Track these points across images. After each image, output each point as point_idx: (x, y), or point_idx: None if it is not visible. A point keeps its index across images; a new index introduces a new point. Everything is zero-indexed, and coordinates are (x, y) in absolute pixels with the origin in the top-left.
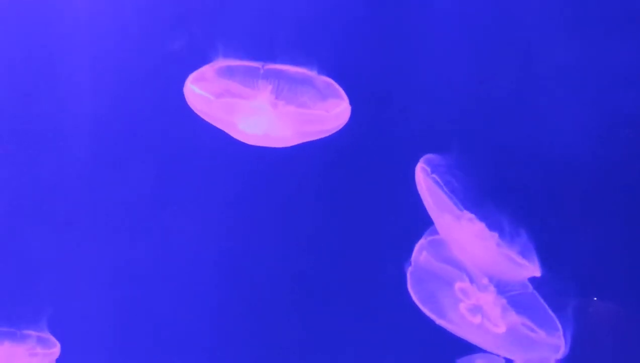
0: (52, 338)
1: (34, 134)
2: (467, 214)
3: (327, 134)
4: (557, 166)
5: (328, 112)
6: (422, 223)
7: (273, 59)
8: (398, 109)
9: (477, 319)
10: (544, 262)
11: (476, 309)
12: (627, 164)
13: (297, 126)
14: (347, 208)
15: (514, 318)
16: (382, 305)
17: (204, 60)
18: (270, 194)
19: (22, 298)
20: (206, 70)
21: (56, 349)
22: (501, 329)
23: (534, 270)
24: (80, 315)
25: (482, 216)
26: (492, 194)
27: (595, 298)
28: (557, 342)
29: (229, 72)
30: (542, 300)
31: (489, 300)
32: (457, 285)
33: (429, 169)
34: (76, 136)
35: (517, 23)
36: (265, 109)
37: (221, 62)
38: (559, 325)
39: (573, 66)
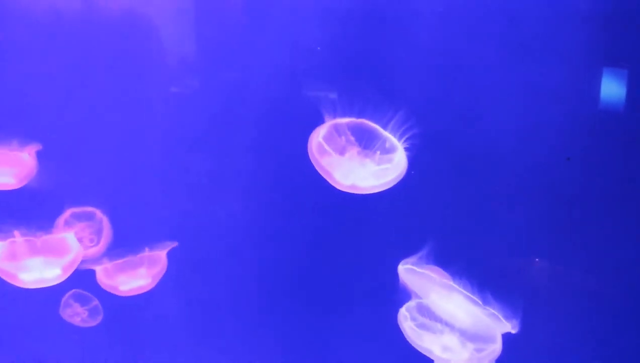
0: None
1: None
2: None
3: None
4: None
5: (393, 164)
6: None
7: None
8: None
9: (447, 355)
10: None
11: (445, 348)
12: (550, 159)
13: (374, 178)
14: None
15: (470, 345)
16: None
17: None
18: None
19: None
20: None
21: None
22: (465, 355)
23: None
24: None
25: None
26: None
27: (537, 259)
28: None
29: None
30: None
31: (448, 339)
32: (425, 337)
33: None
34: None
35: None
36: (352, 164)
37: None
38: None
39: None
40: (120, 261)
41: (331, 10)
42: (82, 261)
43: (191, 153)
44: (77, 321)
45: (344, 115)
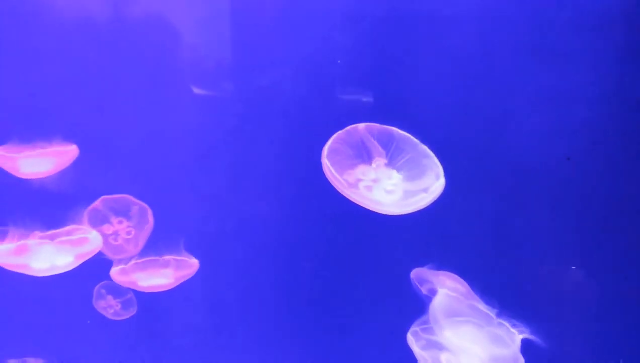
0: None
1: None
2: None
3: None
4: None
5: (427, 191)
6: None
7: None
8: None
9: None
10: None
11: None
12: (579, 166)
13: (402, 199)
14: None
15: None
16: None
17: None
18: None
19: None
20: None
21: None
22: None
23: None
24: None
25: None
26: None
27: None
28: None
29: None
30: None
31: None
32: (443, 357)
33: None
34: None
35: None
36: (378, 175)
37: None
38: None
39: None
40: (141, 260)
41: (364, 15)
42: (115, 255)
43: (225, 155)
44: (109, 313)
45: (374, 120)
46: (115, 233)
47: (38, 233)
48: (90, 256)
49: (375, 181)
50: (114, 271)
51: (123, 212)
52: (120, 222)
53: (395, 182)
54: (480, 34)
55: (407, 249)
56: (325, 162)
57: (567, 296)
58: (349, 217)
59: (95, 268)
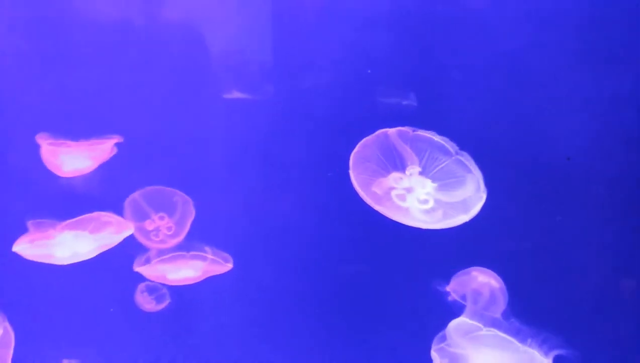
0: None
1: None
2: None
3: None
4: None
5: (467, 213)
6: None
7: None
8: None
9: None
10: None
11: None
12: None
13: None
14: None
15: None
16: None
17: None
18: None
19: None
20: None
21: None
22: None
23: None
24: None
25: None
26: None
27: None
28: None
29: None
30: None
31: None
32: None
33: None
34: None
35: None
36: (411, 184)
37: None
38: None
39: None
40: (167, 256)
41: (405, 18)
42: (155, 251)
43: (264, 157)
44: (147, 308)
45: (414, 125)
46: (157, 229)
47: (61, 223)
48: (115, 242)
49: (408, 189)
50: (139, 265)
51: (164, 206)
52: (161, 218)
53: (428, 191)
54: (527, 38)
55: (438, 256)
56: (351, 174)
57: (604, 309)
58: (382, 223)
59: (128, 263)
